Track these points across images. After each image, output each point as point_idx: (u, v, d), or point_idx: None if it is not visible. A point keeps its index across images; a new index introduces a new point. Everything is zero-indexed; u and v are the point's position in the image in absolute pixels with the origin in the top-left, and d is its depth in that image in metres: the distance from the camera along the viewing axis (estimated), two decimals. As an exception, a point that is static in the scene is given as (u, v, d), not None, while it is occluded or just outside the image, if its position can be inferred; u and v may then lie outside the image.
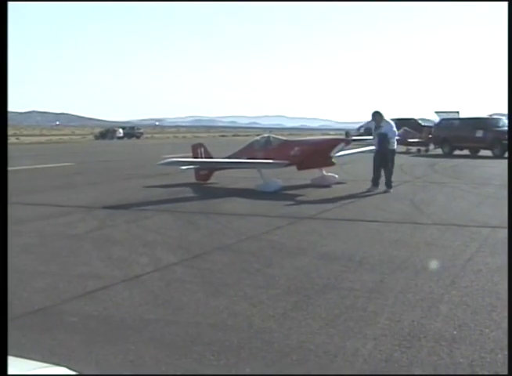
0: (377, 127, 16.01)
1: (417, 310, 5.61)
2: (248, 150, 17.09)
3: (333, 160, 16.19)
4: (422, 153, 37.26)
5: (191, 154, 18.36)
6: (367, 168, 22.53)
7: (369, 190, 15.47)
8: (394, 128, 16.05)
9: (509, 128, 27.13)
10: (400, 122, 32.56)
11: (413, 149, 38.18)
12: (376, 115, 16.07)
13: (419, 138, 38.36)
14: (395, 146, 16.00)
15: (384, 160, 15.54)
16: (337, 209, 12.20)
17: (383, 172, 15.63)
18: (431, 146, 37.82)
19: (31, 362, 1.74)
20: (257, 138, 17.78)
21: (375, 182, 15.66)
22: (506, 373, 4.05)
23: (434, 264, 7.45)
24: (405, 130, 38.77)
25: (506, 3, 13.02)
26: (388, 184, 15.48)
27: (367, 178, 16.50)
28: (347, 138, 18.16)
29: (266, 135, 18.06)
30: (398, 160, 18.06)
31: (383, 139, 15.55)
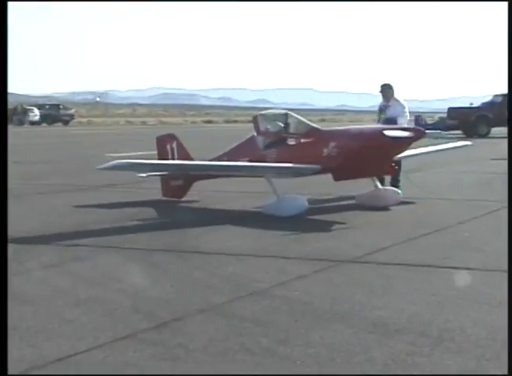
0: (385, 107, 13.06)
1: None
2: (251, 146, 12.26)
3: (394, 164, 11.91)
4: None
5: (155, 152, 13.49)
6: (452, 177, 17.94)
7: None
8: (407, 111, 13.06)
9: (508, 126, 24.37)
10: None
11: None
12: (386, 89, 13.06)
13: None
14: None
15: None
16: (400, 247, 9.05)
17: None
18: None
19: None
20: (265, 122, 12.81)
21: (394, 180, 12.80)
22: (506, 373, 4.18)
23: None
24: None
25: (506, 3, 13.49)
26: (395, 183, 12.70)
27: (453, 196, 13.10)
28: (418, 127, 13.97)
29: (282, 112, 13.17)
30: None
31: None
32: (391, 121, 12.42)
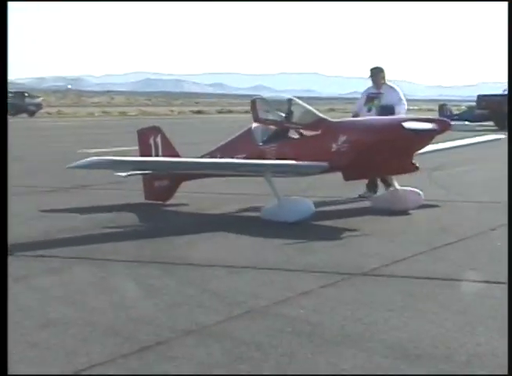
0: (376, 94, 11.88)
1: None
2: (248, 140, 11.48)
3: (415, 161, 10.97)
4: None
5: (136, 148, 12.72)
6: (483, 176, 16.58)
7: (361, 197, 11.66)
8: (404, 99, 11.93)
9: (508, 123, 23.28)
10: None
11: None
12: (377, 73, 11.87)
13: None
14: None
15: None
16: (421, 258, 8.36)
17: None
18: None
19: None
20: (265, 108, 11.92)
21: (372, 183, 11.71)
22: (506, 373, 4.25)
23: None
24: None
25: (506, 3, 12.98)
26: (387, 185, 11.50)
27: (483, 198, 12.09)
28: (443, 118, 13.08)
29: (285, 98, 12.41)
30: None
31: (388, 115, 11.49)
32: (388, 110, 11.43)
